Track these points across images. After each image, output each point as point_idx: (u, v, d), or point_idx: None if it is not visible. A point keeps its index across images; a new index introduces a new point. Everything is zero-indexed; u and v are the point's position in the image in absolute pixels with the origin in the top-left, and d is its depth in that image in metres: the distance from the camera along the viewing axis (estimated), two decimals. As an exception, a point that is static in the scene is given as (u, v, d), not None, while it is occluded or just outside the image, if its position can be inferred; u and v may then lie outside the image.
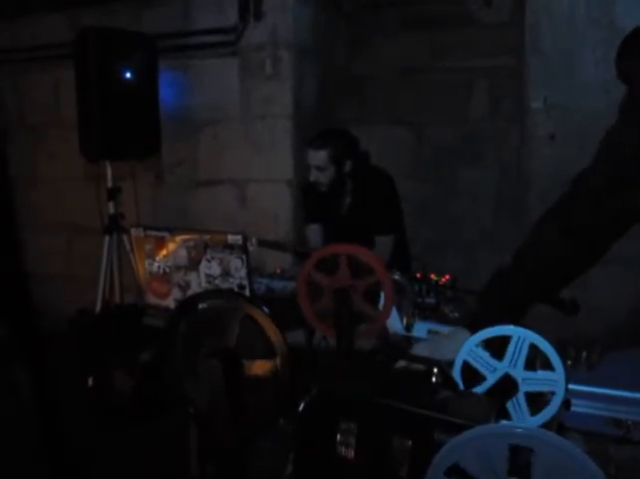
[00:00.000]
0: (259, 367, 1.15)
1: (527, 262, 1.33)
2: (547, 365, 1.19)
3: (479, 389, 1.22)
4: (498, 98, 3.76)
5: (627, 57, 2.89)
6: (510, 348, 1.20)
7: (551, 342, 1.18)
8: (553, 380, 1.17)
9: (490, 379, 1.21)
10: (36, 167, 4.32)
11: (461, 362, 1.24)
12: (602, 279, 1.93)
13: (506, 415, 1.18)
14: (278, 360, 1.13)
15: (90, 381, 2.47)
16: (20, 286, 0.59)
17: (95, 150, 3.23)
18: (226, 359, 1.13)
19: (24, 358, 0.61)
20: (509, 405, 1.19)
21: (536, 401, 1.21)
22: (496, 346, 1.23)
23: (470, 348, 1.24)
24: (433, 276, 1.89)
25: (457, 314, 1.74)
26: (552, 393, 1.18)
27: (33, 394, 0.61)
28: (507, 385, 1.18)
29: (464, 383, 1.24)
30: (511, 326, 1.20)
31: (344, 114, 4.00)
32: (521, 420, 1.18)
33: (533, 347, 1.19)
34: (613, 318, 2.68)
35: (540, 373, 1.19)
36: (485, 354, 1.23)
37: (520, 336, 1.19)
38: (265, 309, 1.14)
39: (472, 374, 1.24)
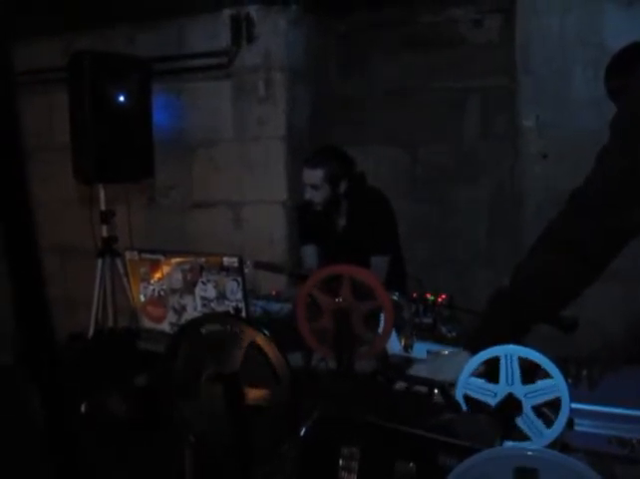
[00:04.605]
0: (261, 392, 1.13)
1: (526, 283, 1.32)
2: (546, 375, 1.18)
3: (484, 385, 1.21)
4: (491, 117, 3.79)
5: (614, 76, 2.94)
6: (502, 368, 1.19)
7: (539, 351, 1.17)
8: (554, 386, 1.16)
9: (501, 388, 1.20)
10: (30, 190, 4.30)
11: (462, 396, 1.23)
12: (599, 296, 1.92)
13: (520, 434, 1.17)
14: (281, 385, 1.11)
15: (83, 407, 2.43)
16: (42, 306, 0.58)
17: (88, 172, 3.22)
18: (228, 384, 1.11)
19: (38, 379, 0.59)
20: (522, 423, 1.18)
21: (545, 415, 1.19)
22: (492, 370, 1.22)
23: (465, 381, 1.23)
24: (429, 296, 1.87)
25: (454, 334, 1.73)
26: (558, 399, 1.17)
27: (46, 417, 0.59)
28: (509, 404, 1.17)
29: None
30: (495, 347, 1.20)
31: (338, 134, 4.02)
32: (538, 435, 1.17)
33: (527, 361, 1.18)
34: (610, 335, 2.67)
35: (540, 383, 1.18)
36: (481, 382, 1.22)
37: (507, 354, 1.19)
38: (267, 333, 1.13)
39: (476, 404, 1.22)
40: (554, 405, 1.18)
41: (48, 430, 0.59)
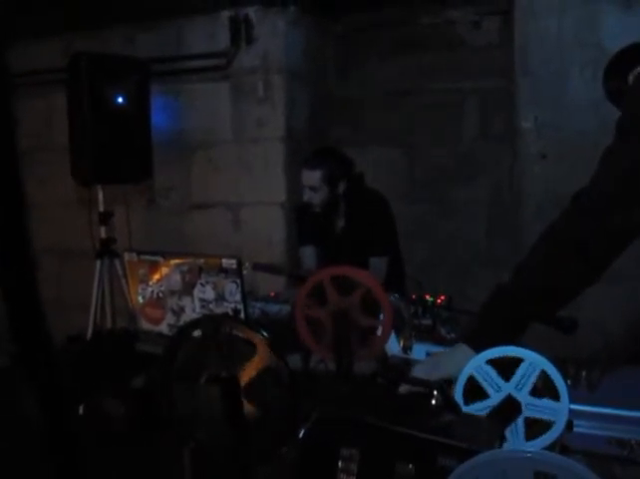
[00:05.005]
0: (260, 394, 1.13)
1: (527, 281, 1.32)
2: (550, 392, 1.17)
3: (480, 405, 1.20)
4: (489, 118, 3.79)
5: (612, 77, 2.94)
6: (520, 371, 1.18)
7: (561, 372, 1.17)
8: (557, 410, 1.16)
9: (494, 398, 1.20)
10: (27, 191, 4.29)
11: (467, 376, 1.22)
12: (599, 296, 1.92)
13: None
14: (280, 386, 1.11)
15: (81, 409, 2.42)
16: (35, 306, 0.57)
17: (87, 174, 3.22)
18: (227, 386, 1.11)
19: (33, 381, 0.59)
20: (507, 428, 1.17)
21: (532, 427, 1.19)
22: (503, 366, 1.21)
23: (479, 363, 1.22)
24: (428, 297, 1.87)
25: (453, 335, 1.72)
26: (552, 422, 1.16)
27: (43, 417, 0.59)
28: (511, 409, 1.16)
29: (465, 397, 1.23)
30: (527, 350, 1.19)
31: (336, 136, 4.02)
32: (516, 445, 1.16)
33: (543, 374, 1.18)
34: (610, 336, 2.67)
35: (545, 402, 1.17)
36: (493, 372, 1.21)
37: (533, 362, 1.17)
38: (266, 335, 1.12)
39: (475, 389, 1.22)
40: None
41: (45, 431, 0.58)
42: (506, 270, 1.38)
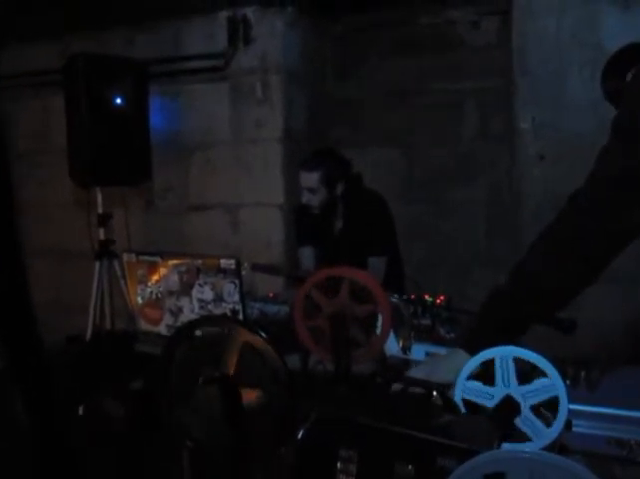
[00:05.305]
0: (259, 395, 1.12)
1: (525, 283, 1.32)
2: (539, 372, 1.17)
3: (481, 388, 1.20)
4: (488, 119, 3.79)
5: (611, 77, 2.93)
6: (498, 370, 1.18)
7: (534, 350, 1.17)
8: (551, 385, 1.15)
9: (498, 390, 1.19)
10: (25, 192, 4.29)
11: (459, 400, 1.22)
12: (598, 297, 1.92)
13: (522, 435, 1.16)
14: (278, 387, 1.10)
15: (80, 410, 2.42)
16: (25, 311, 0.57)
17: (85, 175, 3.21)
18: (225, 387, 1.10)
19: (23, 388, 0.59)
20: (522, 424, 1.17)
21: (544, 416, 1.19)
22: (489, 373, 1.21)
23: (462, 385, 1.22)
24: (427, 297, 1.87)
25: (452, 336, 1.72)
26: (557, 399, 1.16)
27: (32, 426, 0.58)
28: (507, 406, 1.16)
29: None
30: (490, 349, 1.19)
31: (336, 136, 4.02)
32: (539, 434, 1.16)
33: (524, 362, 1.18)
34: (609, 336, 2.67)
35: (536, 383, 1.17)
36: (479, 385, 1.21)
37: (502, 356, 1.18)
38: (265, 336, 1.12)
39: (475, 407, 1.22)
40: (552, 406, 1.18)
41: (33, 433, 0.58)
42: (506, 271, 1.38)
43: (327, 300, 1.42)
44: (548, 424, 1.16)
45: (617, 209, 1.20)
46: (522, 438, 1.17)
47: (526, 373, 1.19)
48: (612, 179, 1.21)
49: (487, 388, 1.20)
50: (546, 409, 1.19)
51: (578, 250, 1.25)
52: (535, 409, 1.17)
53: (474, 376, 1.23)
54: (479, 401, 1.21)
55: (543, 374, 1.17)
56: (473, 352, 1.25)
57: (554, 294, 1.30)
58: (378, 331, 1.45)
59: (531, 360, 1.16)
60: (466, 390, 1.21)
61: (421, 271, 3.32)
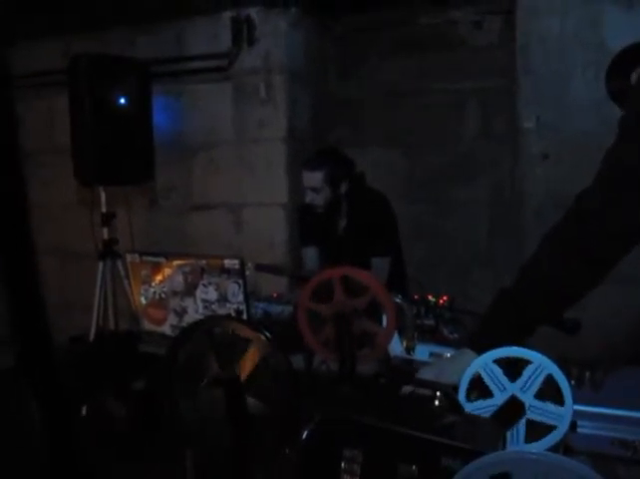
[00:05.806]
0: (263, 395, 1.13)
1: (531, 284, 1.31)
2: (554, 397, 1.17)
3: (483, 404, 1.20)
4: (490, 119, 3.78)
5: (615, 77, 2.92)
6: (527, 373, 1.18)
7: (568, 378, 1.16)
8: (560, 416, 1.15)
9: (498, 397, 1.19)
10: (29, 192, 4.29)
11: (473, 373, 1.22)
12: (602, 298, 1.92)
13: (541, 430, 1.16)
14: (282, 387, 1.11)
15: (84, 410, 2.42)
16: (37, 308, 0.57)
17: (88, 175, 3.22)
18: (229, 387, 1.11)
19: (34, 384, 0.59)
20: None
21: (532, 429, 1.18)
22: (510, 366, 1.21)
23: (486, 362, 1.22)
24: (430, 298, 1.87)
25: (456, 335, 1.72)
26: (554, 427, 1.16)
27: (43, 424, 0.59)
28: (516, 410, 1.16)
29: (468, 394, 1.23)
30: (535, 353, 1.18)
31: (337, 136, 4.02)
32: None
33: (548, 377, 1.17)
34: (613, 337, 2.66)
35: (549, 406, 1.17)
36: (499, 371, 1.21)
37: (540, 365, 1.17)
38: (269, 336, 1.12)
39: (479, 387, 1.22)
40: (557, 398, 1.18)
41: (45, 430, 0.58)
42: (507, 271, 1.39)
43: (326, 305, 1.42)
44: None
45: (624, 209, 1.20)
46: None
47: (541, 390, 1.19)
48: (619, 179, 1.21)
49: (488, 401, 1.20)
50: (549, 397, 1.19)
51: (584, 251, 1.25)
52: (540, 396, 1.17)
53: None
54: (490, 385, 1.21)
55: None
56: (481, 353, 1.25)
57: (561, 295, 1.30)
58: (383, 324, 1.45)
59: (561, 385, 1.16)
60: (486, 369, 1.21)
61: (422, 271, 3.32)
